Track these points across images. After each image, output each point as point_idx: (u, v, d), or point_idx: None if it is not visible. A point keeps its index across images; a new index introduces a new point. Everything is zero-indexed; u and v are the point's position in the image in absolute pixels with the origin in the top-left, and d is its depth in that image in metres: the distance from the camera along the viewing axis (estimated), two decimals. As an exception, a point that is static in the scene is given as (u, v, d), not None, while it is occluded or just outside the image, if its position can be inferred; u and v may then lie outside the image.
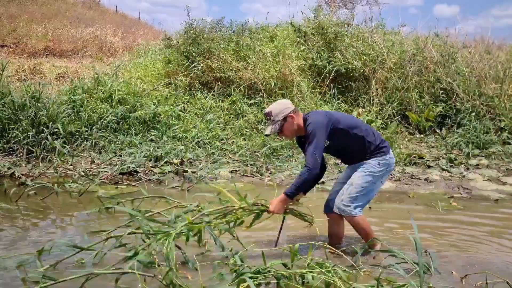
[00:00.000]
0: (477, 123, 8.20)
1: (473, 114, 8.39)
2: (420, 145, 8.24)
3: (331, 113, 3.74)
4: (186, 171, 6.66)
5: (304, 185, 3.56)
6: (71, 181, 5.97)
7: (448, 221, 4.94)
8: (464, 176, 6.85)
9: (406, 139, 8.31)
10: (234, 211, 3.62)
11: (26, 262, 3.31)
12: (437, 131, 8.66)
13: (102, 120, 7.62)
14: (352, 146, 3.69)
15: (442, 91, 8.89)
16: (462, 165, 7.26)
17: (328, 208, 3.88)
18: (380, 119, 8.35)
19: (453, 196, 6.03)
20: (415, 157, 7.46)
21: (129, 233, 3.58)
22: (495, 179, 6.75)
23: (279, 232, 3.93)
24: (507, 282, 3.14)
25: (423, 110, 8.70)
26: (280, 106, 3.64)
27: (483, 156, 7.61)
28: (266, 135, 3.79)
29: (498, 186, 6.48)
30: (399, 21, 18.38)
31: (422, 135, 8.58)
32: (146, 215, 4.42)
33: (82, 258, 3.41)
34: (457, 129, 8.41)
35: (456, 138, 8.04)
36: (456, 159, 7.40)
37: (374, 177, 3.65)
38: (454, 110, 8.74)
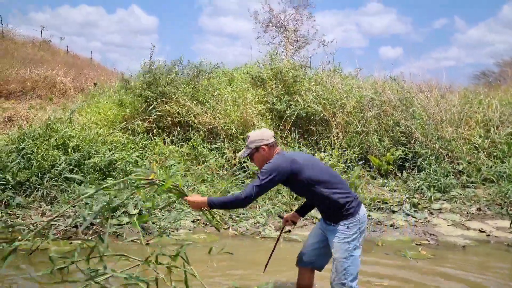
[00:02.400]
0: (436, 167, 8.32)
1: (433, 157, 8.51)
2: (382, 189, 8.23)
3: (297, 161, 3.48)
4: (146, 222, 6.28)
5: (228, 207, 3.67)
6: (19, 237, 5.46)
7: (429, 273, 4.82)
8: (428, 221, 6.83)
9: (369, 184, 8.29)
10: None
11: None
12: (398, 174, 8.71)
13: (54, 168, 7.17)
14: (314, 200, 3.60)
15: (402, 135, 9.02)
16: (426, 210, 7.26)
17: (301, 261, 3.80)
18: (342, 163, 8.31)
19: (421, 244, 5.96)
20: (379, 201, 7.41)
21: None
22: (459, 224, 6.76)
23: (269, 258, 4.04)
24: None
25: (384, 154, 8.76)
26: (258, 136, 3.62)
27: (445, 200, 7.67)
28: (239, 156, 3.76)
29: (463, 231, 6.48)
30: (355, 64, 18.90)
31: (383, 179, 8.59)
32: (105, 277, 4.12)
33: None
34: (417, 172, 8.50)
35: (418, 182, 8.09)
36: (419, 203, 7.41)
37: (350, 242, 3.45)
38: (414, 153, 8.85)
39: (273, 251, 4.12)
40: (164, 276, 4.17)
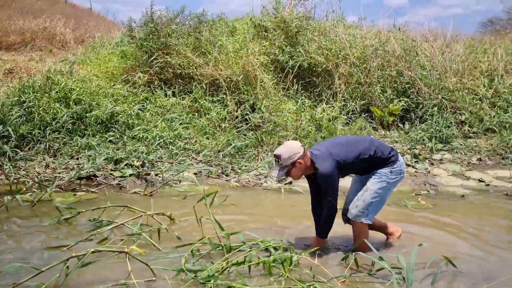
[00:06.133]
0: (439, 117, 8.29)
1: (435, 108, 8.47)
2: (384, 140, 8.24)
3: (337, 154, 3.61)
4: (149, 174, 6.36)
5: (330, 223, 3.71)
6: (24, 188, 5.55)
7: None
8: (429, 171, 6.88)
9: (371, 135, 8.29)
10: None
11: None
12: (400, 125, 8.70)
13: (56, 121, 7.19)
14: (361, 166, 3.73)
15: (405, 85, 8.94)
16: (427, 160, 7.30)
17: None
18: (344, 115, 8.29)
19: (421, 194, 6.02)
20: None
21: (93, 252, 3.30)
22: (459, 174, 6.82)
23: None
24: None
25: (386, 105, 8.71)
26: (290, 151, 3.59)
27: (446, 151, 7.69)
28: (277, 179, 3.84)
29: (462, 181, 6.54)
30: (360, 13, 18.47)
31: (385, 130, 8.59)
32: (109, 227, 4.22)
33: (42, 283, 3.09)
34: (420, 123, 8.47)
35: (420, 133, 8.09)
36: (420, 154, 7.43)
37: (388, 183, 3.69)
38: (416, 104, 8.80)
39: None
40: (166, 227, 4.27)
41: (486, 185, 6.38)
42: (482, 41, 10.90)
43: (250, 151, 7.36)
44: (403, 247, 3.97)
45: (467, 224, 4.81)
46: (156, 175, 6.33)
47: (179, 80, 8.79)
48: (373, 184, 3.68)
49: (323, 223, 3.71)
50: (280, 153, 3.60)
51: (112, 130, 7.39)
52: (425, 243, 3.88)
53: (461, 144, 7.80)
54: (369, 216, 3.70)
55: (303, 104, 8.49)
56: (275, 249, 3.53)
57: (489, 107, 8.71)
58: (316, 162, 3.61)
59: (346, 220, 3.89)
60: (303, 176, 3.79)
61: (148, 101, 8.33)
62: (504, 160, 7.23)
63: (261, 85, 8.38)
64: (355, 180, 4.00)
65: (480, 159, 7.36)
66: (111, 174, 6.33)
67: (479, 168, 7.09)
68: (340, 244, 4.04)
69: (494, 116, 8.41)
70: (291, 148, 3.61)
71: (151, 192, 5.75)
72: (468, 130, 8.25)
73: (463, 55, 9.50)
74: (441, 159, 7.37)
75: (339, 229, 4.06)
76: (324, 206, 3.65)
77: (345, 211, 3.88)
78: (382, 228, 4.12)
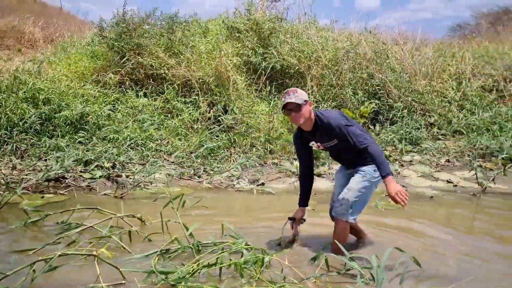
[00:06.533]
0: (409, 119, 8.43)
1: (405, 110, 8.62)
2: (355, 142, 8.33)
3: (343, 113, 3.77)
4: (120, 176, 6.28)
5: (384, 158, 3.52)
6: (-11, 191, 5.39)
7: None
8: (399, 173, 6.99)
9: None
10: None
11: None
12: (371, 127, 8.82)
13: (23, 122, 7.02)
14: (352, 151, 3.71)
15: (376, 87, 9.06)
16: (397, 162, 7.42)
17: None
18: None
19: (391, 194, 6.10)
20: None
21: (60, 255, 3.22)
22: (428, 175, 6.95)
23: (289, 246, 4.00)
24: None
25: (358, 107, 8.82)
26: (302, 92, 3.69)
27: (416, 152, 7.84)
28: (288, 103, 3.62)
29: (431, 182, 6.67)
30: (332, 16, 18.64)
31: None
32: (78, 230, 4.14)
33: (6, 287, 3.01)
34: (390, 125, 8.61)
35: (390, 135, 8.21)
36: (390, 156, 7.55)
37: (371, 182, 3.73)
38: (387, 106, 8.94)
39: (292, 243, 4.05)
40: (137, 229, 4.22)
41: (454, 186, 6.53)
42: (450, 45, 11.15)
43: (222, 152, 7.34)
44: (374, 248, 4.01)
45: (436, 224, 4.90)
46: (127, 176, 6.26)
47: (151, 80, 8.70)
48: (357, 183, 3.71)
49: (381, 162, 3.44)
50: (297, 90, 3.69)
51: (82, 131, 7.26)
52: (395, 244, 3.93)
53: (430, 146, 7.96)
54: (354, 215, 3.73)
55: (276, 105, 8.52)
56: (247, 250, 3.52)
57: (457, 109, 8.91)
58: (323, 115, 3.68)
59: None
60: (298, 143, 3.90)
61: (119, 102, 8.22)
62: (471, 161, 7.39)
63: (233, 86, 8.37)
64: (339, 177, 4.04)
65: (448, 161, 7.52)
66: (81, 175, 6.22)
67: (447, 169, 7.24)
68: (312, 244, 4.05)
69: (462, 119, 8.61)
70: (300, 92, 3.70)
71: (121, 194, 5.68)
72: (437, 132, 8.43)
73: (432, 59, 9.71)
74: (411, 161, 7.50)
75: (311, 228, 4.09)
76: (369, 154, 3.50)
77: (332, 208, 3.92)
78: (356, 231, 4.18)
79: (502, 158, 7.21)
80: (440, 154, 7.74)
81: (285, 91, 3.75)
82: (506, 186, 6.49)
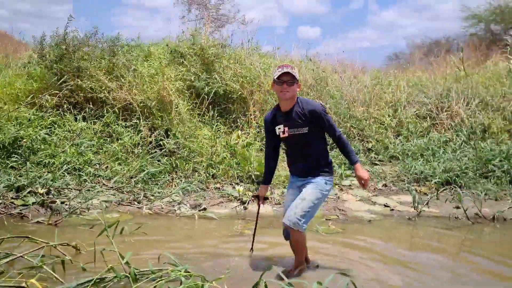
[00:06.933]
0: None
1: (344, 136, 8.85)
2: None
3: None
4: (54, 202, 6.02)
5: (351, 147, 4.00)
6: None
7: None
8: (339, 197, 7.14)
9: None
10: None
11: None
12: (312, 152, 8.96)
13: (-50, 145, 6.63)
14: (313, 152, 3.86)
15: (317, 114, 9.26)
16: (336, 186, 7.57)
17: (289, 234, 3.92)
18: (258, 141, 8.42)
19: (331, 219, 6.23)
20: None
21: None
22: (367, 199, 7.14)
23: (253, 237, 4.41)
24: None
25: (299, 132, 8.95)
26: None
27: (354, 177, 7.99)
28: (287, 72, 3.78)
29: (369, 206, 6.86)
30: (275, 43, 19.01)
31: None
32: (6, 260, 3.91)
33: None
34: (330, 150, 8.78)
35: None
36: (330, 180, 7.69)
37: (322, 194, 3.85)
38: (327, 132, 9.14)
39: (255, 231, 4.44)
40: (71, 258, 4.04)
41: (390, 210, 6.74)
42: (387, 73, 11.65)
43: (164, 177, 7.22)
44: (316, 273, 4.04)
45: (374, 247, 5.03)
46: (62, 203, 6.01)
47: (90, 104, 8.46)
48: (310, 194, 3.78)
49: (351, 150, 3.92)
50: (294, 67, 3.89)
51: (14, 155, 6.93)
52: (336, 268, 3.99)
53: (368, 171, 8.19)
54: (305, 225, 3.78)
55: (219, 130, 8.53)
56: (186, 277, 3.45)
57: (393, 135, 9.26)
58: (306, 100, 3.90)
59: (287, 236, 3.93)
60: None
61: (56, 125, 7.91)
62: (406, 186, 7.67)
63: (176, 110, 8.31)
64: (290, 194, 4.06)
65: (385, 185, 7.76)
66: (12, 202, 5.91)
67: (384, 193, 7.47)
68: (253, 269, 4.03)
69: (398, 144, 8.95)
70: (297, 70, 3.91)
71: (56, 221, 5.44)
72: (375, 157, 8.70)
73: (369, 86, 10.08)
74: (350, 185, 7.68)
75: (251, 252, 4.06)
76: (340, 142, 3.91)
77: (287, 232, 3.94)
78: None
79: (435, 183, 7.52)
80: (377, 178, 7.98)
81: (282, 64, 3.92)
82: (438, 210, 6.78)
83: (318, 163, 3.88)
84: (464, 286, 4.05)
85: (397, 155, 8.70)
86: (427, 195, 7.18)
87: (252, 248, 4.42)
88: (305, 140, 3.85)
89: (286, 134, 3.89)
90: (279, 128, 3.91)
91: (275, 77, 3.80)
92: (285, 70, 3.74)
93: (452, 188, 7.32)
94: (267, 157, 4.17)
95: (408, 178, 7.91)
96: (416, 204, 6.67)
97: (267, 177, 4.22)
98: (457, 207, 6.70)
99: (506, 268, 4.62)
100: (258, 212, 4.45)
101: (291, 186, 4.11)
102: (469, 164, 7.90)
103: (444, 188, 7.37)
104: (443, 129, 9.31)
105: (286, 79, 3.74)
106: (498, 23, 20.34)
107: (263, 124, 4.17)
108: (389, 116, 9.59)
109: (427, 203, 6.79)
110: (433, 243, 5.50)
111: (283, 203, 4.31)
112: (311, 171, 3.89)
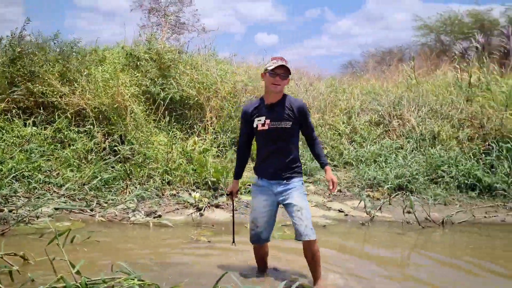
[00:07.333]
0: (303, 151, 8.75)
1: (300, 142, 8.95)
2: (253, 173, 8.46)
3: None
4: (1, 210, 5.79)
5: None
6: None
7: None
8: (295, 203, 7.19)
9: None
10: None
11: None
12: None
13: None
14: (287, 150, 3.88)
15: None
16: (293, 192, 7.63)
17: (262, 240, 4.04)
18: (215, 147, 8.39)
19: (286, 224, 6.26)
20: (249, 185, 7.62)
21: None
22: (322, 205, 7.23)
23: (233, 231, 4.45)
24: None
25: (255, 139, 9.00)
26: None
27: (310, 183, 8.13)
28: (283, 66, 3.75)
29: (324, 212, 6.96)
30: (232, 50, 19.09)
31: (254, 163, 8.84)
32: None
33: None
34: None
35: (286, 166, 8.45)
36: (286, 186, 7.75)
37: (305, 195, 3.90)
38: (283, 138, 9.22)
39: (233, 224, 4.53)
40: (19, 268, 3.90)
41: (345, 215, 6.87)
42: (341, 81, 11.90)
43: (118, 184, 7.08)
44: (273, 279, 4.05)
45: (329, 253, 5.10)
46: (10, 211, 5.79)
47: (41, 109, 8.19)
48: (302, 201, 3.80)
49: (323, 153, 4.10)
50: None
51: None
52: (292, 274, 4.03)
53: (324, 177, 8.29)
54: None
55: (175, 136, 8.44)
56: (140, 286, 3.39)
57: (347, 142, 9.44)
58: (291, 97, 3.95)
59: (260, 243, 4.06)
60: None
61: (3, 131, 7.62)
62: (360, 191, 7.82)
63: (131, 116, 8.17)
64: (260, 200, 3.96)
65: (340, 191, 7.88)
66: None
67: (339, 199, 7.59)
68: (207, 278, 4.00)
69: (352, 151, 9.12)
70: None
71: (2, 231, 5.23)
72: (330, 163, 8.83)
73: (325, 93, 10.26)
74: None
75: (205, 259, 4.02)
76: (315, 143, 4.05)
77: (257, 237, 4.01)
78: (264, 261, 4.29)
79: (388, 188, 7.72)
80: (332, 184, 8.10)
81: (276, 56, 3.89)
82: (391, 214, 6.95)
83: (293, 161, 3.89)
84: None
85: (351, 161, 8.86)
86: (380, 200, 7.35)
87: (233, 242, 4.41)
88: (285, 135, 3.82)
89: (266, 127, 3.80)
90: (259, 120, 3.82)
91: (269, 68, 3.75)
92: (280, 63, 3.72)
93: (404, 194, 7.54)
94: (240, 150, 4.16)
95: (362, 184, 8.07)
96: (368, 210, 6.82)
97: (238, 171, 4.24)
98: (409, 212, 6.88)
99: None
100: (233, 207, 4.66)
101: (262, 191, 3.95)
102: (419, 170, 8.14)
103: (396, 193, 7.56)
104: (395, 136, 9.55)
105: (280, 72, 3.73)
106: (448, 34, 21.21)
107: (240, 115, 4.07)
108: (343, 123, 9.77)
109: (379, 208, 6.95)
110: (380, 251, 5.62)
111: (251, 210, 4.13)
112: (286, 170, 3.84)
